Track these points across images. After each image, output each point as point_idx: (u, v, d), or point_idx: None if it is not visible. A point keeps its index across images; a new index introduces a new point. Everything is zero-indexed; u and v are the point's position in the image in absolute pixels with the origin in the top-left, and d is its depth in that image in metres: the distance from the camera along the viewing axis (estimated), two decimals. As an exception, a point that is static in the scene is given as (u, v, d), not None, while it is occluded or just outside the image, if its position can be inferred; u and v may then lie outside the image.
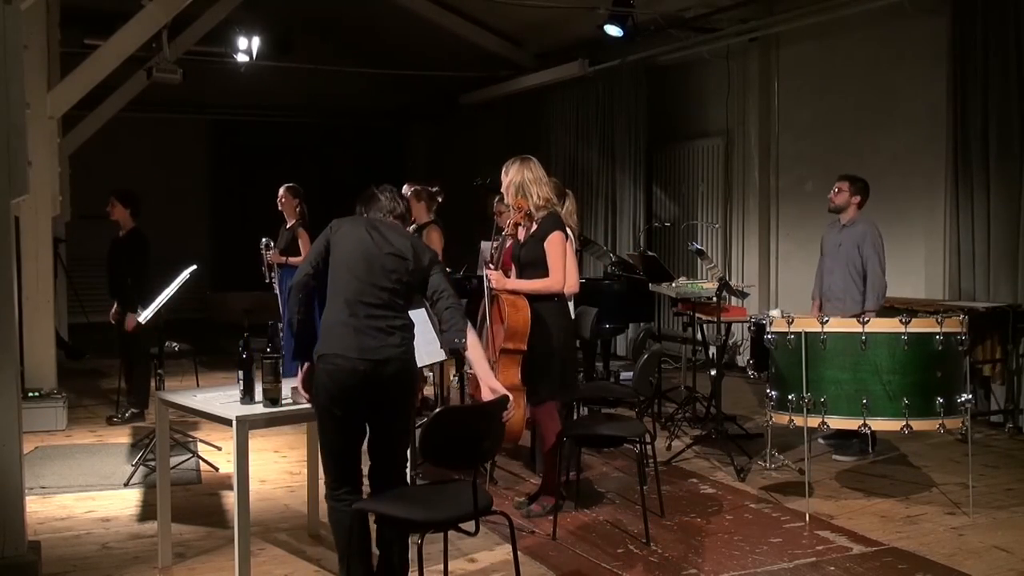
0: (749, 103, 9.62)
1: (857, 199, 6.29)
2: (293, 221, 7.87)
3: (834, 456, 6.28)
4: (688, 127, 10.56)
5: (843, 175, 6.44)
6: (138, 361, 7.35)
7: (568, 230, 5.24)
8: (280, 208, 7.93)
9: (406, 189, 7.97)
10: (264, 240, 7.88)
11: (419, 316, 5.03)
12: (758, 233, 9.63)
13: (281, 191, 7.94)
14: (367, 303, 3.68)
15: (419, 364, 4.93)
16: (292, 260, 7.77)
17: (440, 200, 7.34)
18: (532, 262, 5.01)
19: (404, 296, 3.82)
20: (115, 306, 7.52)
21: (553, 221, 5.03)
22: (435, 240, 7.27)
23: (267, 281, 7.92)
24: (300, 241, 7.78)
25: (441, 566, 4.27)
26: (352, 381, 3.60)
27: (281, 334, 7.76)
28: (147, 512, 5.16)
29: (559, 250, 4.98)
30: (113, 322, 7.55)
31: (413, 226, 7.49)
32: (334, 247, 3.79)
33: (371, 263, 3.73)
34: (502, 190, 5.19)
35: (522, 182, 5.05)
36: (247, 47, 10.75)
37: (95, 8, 10.13)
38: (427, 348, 4.94)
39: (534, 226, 5.06)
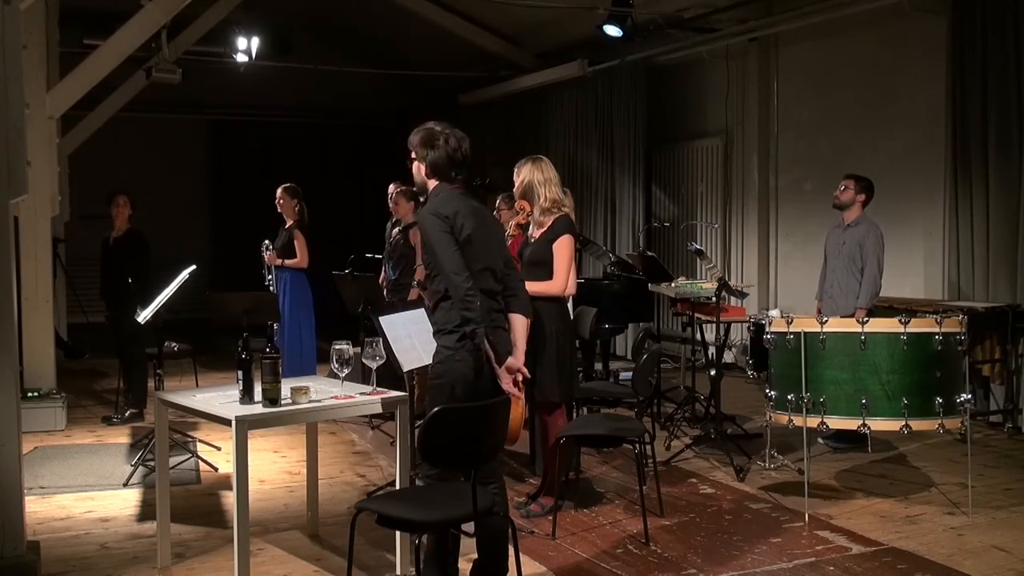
0: (748, 103, 9.62)
1: (862, 197, 6.36)
2: (291, 222, 7.87)
3: (830, 444, 6.34)
4: (687, 127, 10.56)
5: (849, 174, 6.53)
6: (136, 361, 7.35)
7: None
8: (279, 209, 7.92)
9: (392, 188, 7.98)
10: (265, 242, 7.88)
11: (419, 315, 5.04)
12: (757, 233, 9.63)
13: (279, 192, 7.93)
14: (495, 310, 3.88)
15: (418, 364, 4.95)
16: (288, 262, 7.76)
17: (424, 200, 7.37)
18: (538, 262, 5.02)
19: None
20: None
21: (565, 224, 5.04)
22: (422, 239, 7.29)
23: (267, 284, 7.90)
24: (296, 243, 7.76)
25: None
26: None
27: (277, 336, 7.80)
28: (146, 512, 5.16)
29: (566, 254, 4.99)
30: (108, 322, 7.57)
31: (400, 226, 7.51)
32: (465, 244, 3.73)
33: (495, 269, 3.87)
34: (514, 191, 5.19)
35: (531, 182, 5.06)
36: (246, 47, 10.74)
37: (94, 8, 10.12)
38: (426, 348, 4.94)
39: (543, 227, 5.05)
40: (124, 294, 7.27)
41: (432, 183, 3.90)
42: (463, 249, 3.72)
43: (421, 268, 7.24)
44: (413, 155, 3.93)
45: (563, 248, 4.98)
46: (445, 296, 3.78)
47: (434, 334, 3.86)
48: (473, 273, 3.72)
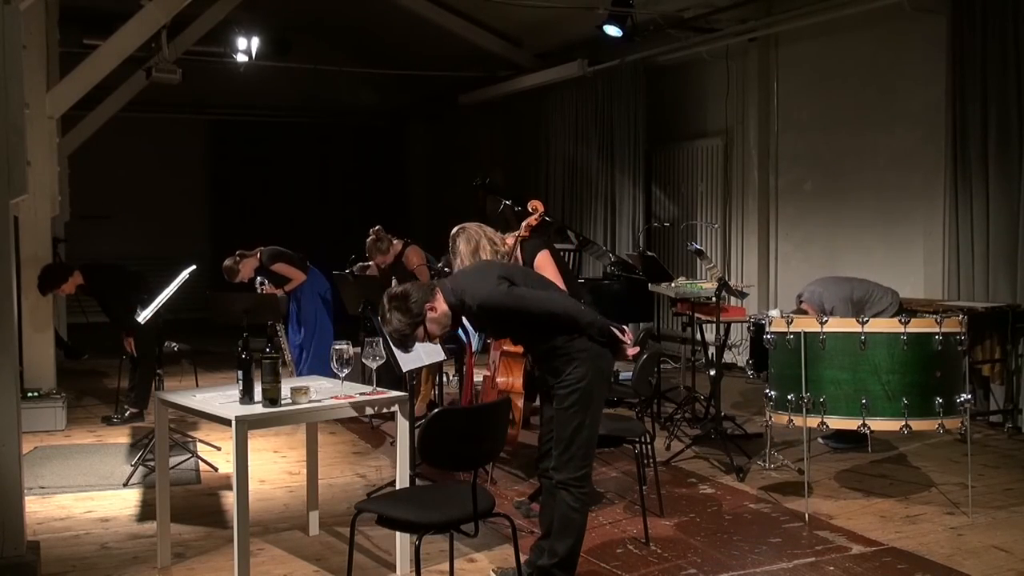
0: (748, 103, 9.62)
1: (813, 298, 6.20)
2: (258, 265, 7.81)
3: (830, 444, 6.35)
4: (687, 127, 10.56)
5: (798, 306, 6.32)
6: (146, 361, 7.31)
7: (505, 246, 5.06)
8: (243, 280, 7.83)
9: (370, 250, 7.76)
10: (258, 278, 7.86)
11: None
12: (757, 233, 9.63)
13: (227, 270, 7.75)
14: None
15: (418, 364, 4.96)
16: (288, 288, 7.78)
17: (387, 235, 7.37)
18: None
19: None
20: (124, 338, 7.46)
21: (534, 244, 4.98)
22: (414, 259, 7.29)
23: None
24: (281, 271, 7.71)
25: (439, 566, 4.29)
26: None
27: (279, 335, 7.80)
28: (146, 512, 5.16)
29: (550, 267, 4.93)
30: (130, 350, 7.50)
31: (389, 259, 7.50)
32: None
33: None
34: (456, 263, 4.96)
35: (476, 249, 4.88)
36: (246, 47, 10.75)
37: (94, 8, 10.13)
38: (426, 348, 4.95)
39: (519, 257, 4.97)
40: (114, 321, 7.28)
41: (443, 306, 3.80)
42: None
43: (424, 268, 7.30)
44: (420, 331, 3.75)
45: (543, 263, 4.91)
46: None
47: (552, 350, 3.79)
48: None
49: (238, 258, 7.71)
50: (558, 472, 3.83)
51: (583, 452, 3.82)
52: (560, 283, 4.94)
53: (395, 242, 7.35)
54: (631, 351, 3.89)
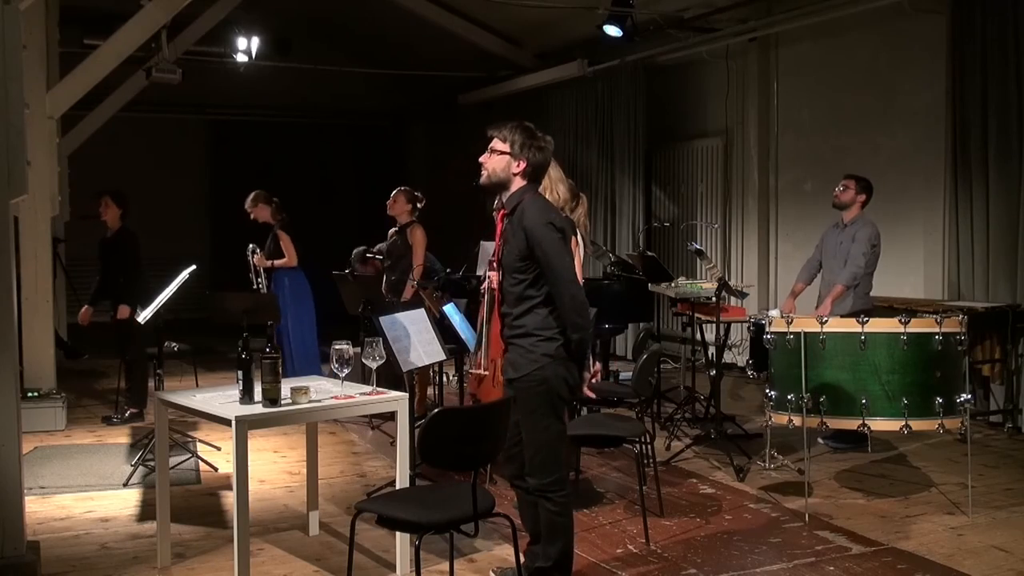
0: (748, 103, 9.62)
1: (862, 198, 6.38)
2: (273, 223, 7.87)
3: (830, 444, 6.36)
4: (687, 127, 10.56)
5: (849, 174, 6.54)
6: (136, 360, 7.34)
7: (579, 233, 5.21)
8: (253, 217, 7.92)
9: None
10: (251, 246, 7.86)
11: (418, 315, 5.04)
12: (757, 233, 9.63)
13: (247, 203, 7.87)
14: None
15: (418, 364, 4.95)
16: (278, 263, 7.76)
17: (420, 206, 7.43)
18: None
19: None
20: (85, 308, 7.51)
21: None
22: (419, 238, 7.31)
23: (255, 287, 7.87)
24: (282, 243, 7.75)
25: (439, 566, 4.29)
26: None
27: (283, 337, 7.79)
28: (146, 512, 5.16)
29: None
30: (83, 324, 7.54)
31: (395, 228, 7.51)
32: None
33: None
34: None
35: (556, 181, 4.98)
36: (246, 47, 10.76)
37: (94, 8, 10.14)
38: (426, 348, 4.95)
39: None
40: (116, 293, 7.29)
41: (519, 183, 3.80)
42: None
43: (419, 267, 7.27)
44: (504, 148, 3.79)
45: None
46: (543, 302, 3.73)
47: (519, 337, 3.76)
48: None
49: (263, 196, 7.80)
50: (532, 478, 3.80)
51: (555, 455, 3.79)
52: None
53: (415, 214, 7.40)
54: (587, 391, 3.90)
